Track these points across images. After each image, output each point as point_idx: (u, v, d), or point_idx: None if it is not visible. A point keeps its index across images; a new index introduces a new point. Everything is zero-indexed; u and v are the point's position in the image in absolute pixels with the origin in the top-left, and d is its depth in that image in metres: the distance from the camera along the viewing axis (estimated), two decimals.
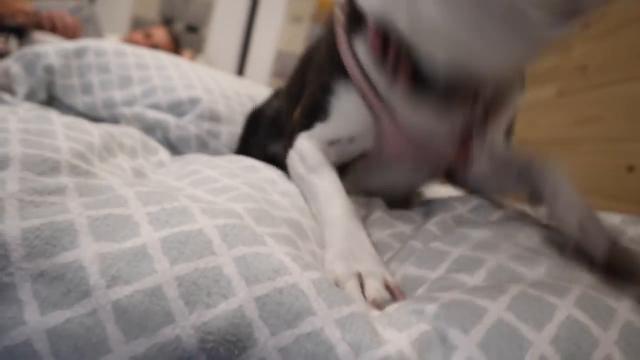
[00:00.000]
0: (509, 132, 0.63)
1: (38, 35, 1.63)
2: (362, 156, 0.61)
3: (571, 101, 1.36)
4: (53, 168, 0.34)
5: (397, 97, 0.53)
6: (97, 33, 2.20)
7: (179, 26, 3.31)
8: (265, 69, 3.49)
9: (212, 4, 3.41)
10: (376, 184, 0.65)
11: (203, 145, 0.88)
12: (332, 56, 0.59)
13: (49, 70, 0.88)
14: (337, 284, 0.37)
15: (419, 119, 0.54)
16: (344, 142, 0.58)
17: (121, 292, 0.24)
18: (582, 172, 1.22)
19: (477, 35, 0.41)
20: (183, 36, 3.16)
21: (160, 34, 2.46)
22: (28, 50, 0.90)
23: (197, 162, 0.57)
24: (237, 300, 0.26)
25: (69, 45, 0.94)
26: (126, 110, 0.87)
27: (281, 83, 3.80)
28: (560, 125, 1.41)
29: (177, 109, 0.90)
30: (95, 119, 0.88)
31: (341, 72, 0.56)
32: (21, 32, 1.60)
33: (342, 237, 0.43)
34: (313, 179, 0.53)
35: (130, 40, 2.32)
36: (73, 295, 0.23)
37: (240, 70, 3.32)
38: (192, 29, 3.34)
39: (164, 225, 0.29)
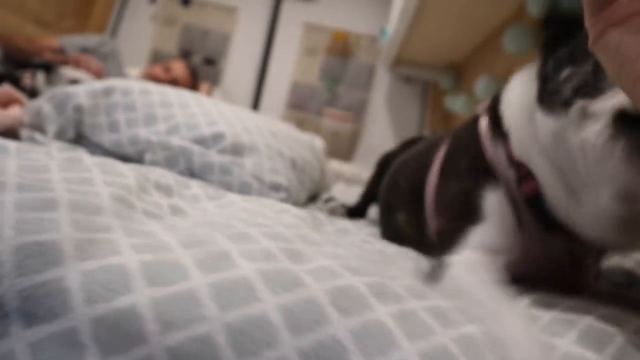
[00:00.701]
0: None
1: (65, 70, 1.69)
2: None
3: None
4: (98, 211, 0.36)
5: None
6: (119, 67, 2.27)
7: (196, 59, 3.38)
8: (280, 101, 3.53)
9: (230, 37, 3.48)
10: None
11: (227, 172, 0.90)
12: (478, 164, 0.58)
13: (79, 109, 0.92)
14: None
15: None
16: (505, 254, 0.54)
17: (174, 338, 0.25)
18: None
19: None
20: (201, 68, 3.23)
21: (179, 67, 2.52)
22: (59, 90, 0.94)
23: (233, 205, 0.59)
24: (282, 350, 0.27)
25: (98, 85, 0.98)
26: (152, 137, 0.90)
27: (296, 114, 3.54)
28: None
29: (201, 144, 0.92)
30: (121, 155, 0.91)
31: (491, 179, 0.56)
32: (48, 69, 1.66)
33: None
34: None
35: (150, 74, 2.39)
36: (131, 340, 0.25)
37: (256, 101, 3.37)
38: (210, 61, 3.41)
39: (209, 269, 0.31)
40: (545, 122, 0.47)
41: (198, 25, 3.42)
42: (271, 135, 1.08)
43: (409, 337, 0.30)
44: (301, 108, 3.57)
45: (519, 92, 0.55)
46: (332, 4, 3.57)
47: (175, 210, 0.50)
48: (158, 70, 2.42)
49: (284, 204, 0.64)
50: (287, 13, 3.51)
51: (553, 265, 0.54)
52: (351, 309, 0.31)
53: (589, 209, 0.44)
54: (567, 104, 0.43)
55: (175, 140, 0.89)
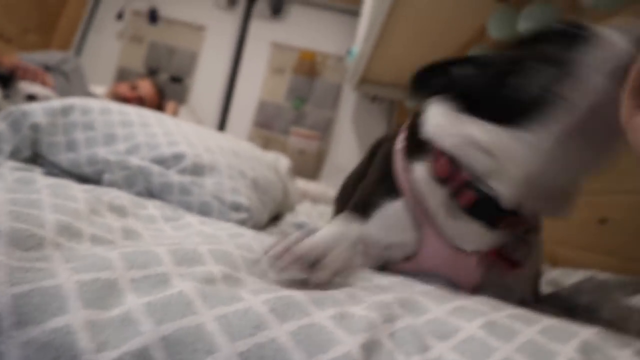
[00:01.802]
0: (536, 292, 0.68)
1: (23, 85, 1.67)
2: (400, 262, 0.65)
3: None
4: (39, 244, 0.36)
5: (447, 214, 0.60)
6: (83, 85, 2.24)
7: (163, 77, 3.35)
8: (247, 119, 3.53)
9: (197, 55, 3.47)
10: None
11: (186, 192, 0.89)
12: (385, 178, 0.67)
13: (35, 128, 0.91)
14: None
15: (463, 233, 0.60)
16: (380, 247, 0.64)
17: (109, 356, 0.26)
18: (554, 224, 1.25)
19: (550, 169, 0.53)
20: (167, 86, 3.21)
21: (145, 85, 2.50)
22: (15, 108, 0.93)
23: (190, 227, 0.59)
24: (222, 356, 0.28)
25: (56, 103, 0.97)
26: (111, 157, 0.89)
27: (262, 133, 3.51)
28: None
29: (160, 164, 0.91)
30: (79, 175, 0.91)
31: (392, 191, 0.64)
32: (5, 83, 1.63)
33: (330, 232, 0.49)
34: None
35: (116, 92, 2.37)
36: None
37: (223, 120, 3.37)
38: (177, 79, 3.38)
39: (148, 291, 0.31)
40: (527, 134, 0.54)
41: (165, 43, 3.41)
42: (233, 155, 1.08)
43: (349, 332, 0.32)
44: (268, 127, 3.57)
45: (452, 121, 0.62)
46: (299, 23, 3.60)
47: (128, 233, 0.51)
48: (124, 88, 2.41)
49: (241, 227, 0.64)
50: (255, 32, 3.53)
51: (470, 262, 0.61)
52: (290, 314, 0.33)
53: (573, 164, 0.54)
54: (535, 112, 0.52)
55: (135, 160, 0.89)
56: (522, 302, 0.61)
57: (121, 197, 0.64)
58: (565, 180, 0.55)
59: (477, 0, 1.77)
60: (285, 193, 1.39)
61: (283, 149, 3.20)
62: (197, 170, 0.94)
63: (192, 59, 3.46)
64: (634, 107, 0.36)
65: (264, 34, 3.57)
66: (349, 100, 3.57)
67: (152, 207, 0.66)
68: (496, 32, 1.66)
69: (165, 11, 3.39)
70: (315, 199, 2.37)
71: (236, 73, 3.47)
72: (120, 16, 3.30)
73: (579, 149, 0.51)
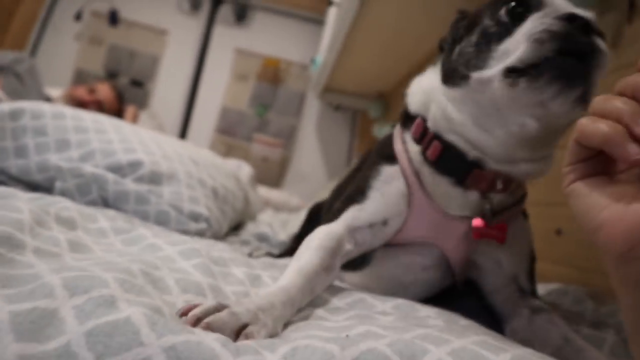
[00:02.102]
0: (531, 276, 0.67)
1: None
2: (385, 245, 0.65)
3: None
4: None
5: (429, 172, 0.62)
6: (37, 87, 2.16)
7: (123, 80, 3.25)
8: (209, 125, 3.47)
9: (159, 59, 3.39)
10: (395, 278, 0.68)
11: (143, 202, 0.86)
12: (383, 149, 0.70)
13: None
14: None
15: (444, 193, 0.62)
16: (378, 225, 0.63)
17: None
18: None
19: (480, 135, 0.57)
20: (127, 91, 3.11)
21: (104, 89, 2.44)
22: None
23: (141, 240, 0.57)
24: None
25: (4, 106, 0.92)
26: (63, 164, 0.85)
27: (225, 139, 3.39)
28: None
29: (116, 172, 0.88)
30: (28, 182, 0.86)
31: (389, 159, 0.67)
32: None
33: (265, 298, 0.44)
34: (298, 253, 0.57)
35: (73, 95, 2.30)
36: None
37: (185, 125, 3.32)
38: (137, 83, 3.29)
39: (89, 316, 0.29)
40: (452, 94, 0.59)
41: (125, 46, 3.31)
42: (193, 164, 1.06)
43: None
44: (230, 133, 3.52)
45: (422, 84, 0.69)
46: (263, 30, 3.57)
47: (76, 246, 0.48)
48: (82, 92, 2.35)
49: (196, 242, 0.61)
50: (219, 37, 3.48)
51: (447, 233, 0.62)
52: (242, 351, 0.31)
53: (499, 136, 0.56)
54: (464, 77, 0.56)
55: (88, 168, 0.85)
56: (519, 287, 0.64)
57: (70, 208, 0.60)
58: (511, 134, 0.56)
59: (441, 11, 1.80)
60: (246, 202, 1.36)
61: (246, 156, 3.17)
62: (155, 178, 0.91)
63: (153, 63, 3.38)
64: (571, 174, 0.37)
65: (228, 40, 3.52)
66: (312, 108, 3.55)
67: (104, 219, 0.63)
68: None
69: (126, 13, 3.28)
70: (278, 207, 2.35)
71: (199, 78, 3.41)
72: (78, 17, 3.17)
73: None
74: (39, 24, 3.19)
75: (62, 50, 3.21)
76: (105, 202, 0.86)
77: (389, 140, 0.71)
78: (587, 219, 0.35)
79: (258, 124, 3.52)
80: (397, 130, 0.70)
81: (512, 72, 0.50)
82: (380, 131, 2.64)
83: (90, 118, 0.99)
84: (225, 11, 3.51)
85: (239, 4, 3.48)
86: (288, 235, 1.19)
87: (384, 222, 0.62)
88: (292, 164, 3.37)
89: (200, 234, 0.91)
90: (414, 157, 0.64)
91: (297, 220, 1.95)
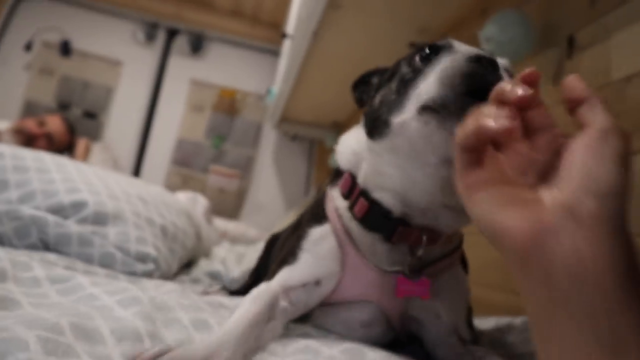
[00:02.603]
0: (470, 324, 0.67)
1: None
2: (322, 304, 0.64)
3: None
4: None
5: (358, 229, 0.62)
6: None
7: (76, 111, 3.16)
8: (165, 157, 3.40)
9: (113, 90, 3.32)
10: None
11: (87, 244, 0.83)
12: (315, 208, 0.70)
13: None
14: None
15: (374, 250, 0.61)
16: (310, 285, 0.62)
17: None
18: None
19: (405, 184, 0.57)
20: (80, 122, 3.04)
21: (55, 122, 2.39)
22: None
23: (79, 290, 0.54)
24: None
25: None
26: (0, 206, 0.81)
27: (181, 171, 3.32)
28: None
29: (58, 214, 0.84)
30: None
31: (320, 218, 0.67)
32: None
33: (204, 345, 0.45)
34: (240, 304, 0.57)
35: (21, 127, 2.23)
36: None
37: (140, 157, 3.22)
38: (90, 115, 3.22)
39: None
40: (378, 147, 0.59)
41: (78, 77, 3.22)
42: (141, 202, 1.03)
43: None
44: (186, 165, 3.44)
45: (350, 142, 0.69)
46: (219, 61, 3.56)
47: (1, 302, 0.45)
48: (31, 125, 2.28)
49: (139, 289, 0.59)
50: (174, 68, 3.46)
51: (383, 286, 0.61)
52: None
53: (421, 181, 0.56)
54: (386, 124, 0.56)
55: (27, 210, 0.81)
56: (460, 338, 0.63)
57: (1, 257, 0.57)
58: (427, 192, 0.57)
59: (392, 43, 1.84)
60: (198, 238, 1.33)
61: (202, 187, 3.13)
62: (100, 219, 0.88)
63: (107, 94, 3.30)
64: (463, 180, 0.39)
65: (183, 70, 3.50)
66: (269, 138, 3.53)
67: (39, 267, 0.59)
68: None
69: (79, 44, 3.23)
70: (235, 239, 2.32)
71: (154, 110, 3.36)
72: (29, 47, 3.10)
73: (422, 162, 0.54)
74: None
75: (11, 81, 3.11)
76: (46, 246, 0.82)
77: (321, 198, 0.71)
78: (488, 225, 0.35)
79: (214, 155, 3.46)
80: (329, 188, 0.71)
81: (425, 111, 0.51)
82: (335, 161, 2.68)
83: (31, 157, 0.95)
84: (181, 42, 3.52)
85: (195, 35, 3.49)
86: (243, 270, 1.16)
87: (317, 282, 0.62)
88: (249, 194, 3.34)
89: (148, 274, 0.88)
90: (344, 214, 0.64)
91: (254, 253, 1.92)
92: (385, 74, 0.64)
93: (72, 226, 0.83)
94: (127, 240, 0.88)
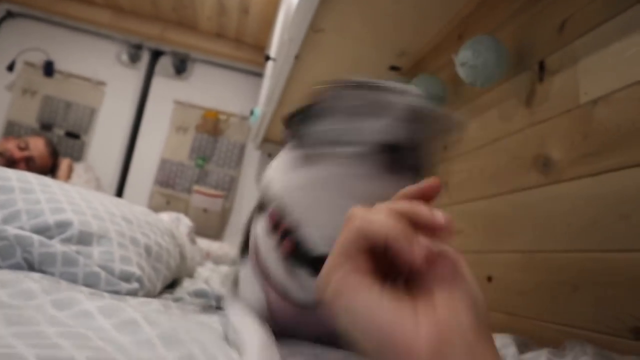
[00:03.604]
0: None
1: None
2: None
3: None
4: None
5: (282, 267, 0.59)
6: None
7: (58, 132, 3.16)
8: (148, 177, 3.39)
9: (96, 110, 3.31)
10: None
11: (71, 263, 0.82)
12: (245, 238, 0.70)
13: None
14: None
15: (297, 286, 0.59)
16: None
17: None
18: None
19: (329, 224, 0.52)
20: (63, 142, 3.06)
21: (37, 145, 2.38)
22: None
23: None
24: None
25: None
26: None
27: (164, 191, 3.31)
28: None
29: (43, 233, 0.84)
30: None
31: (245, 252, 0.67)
32: None
33: None
34: None
35: (3, 149, 2.23)
36: None
37: (123, 177, 3.22)
38: (73, 135, 3.21)
39: None
40: (302, 179, 0.57)
41: (61, 97, 3.21)
42: (125, 222, 1.03)
43: None
44: (170, 185, 3.43)
45: (275, 173, 0.64)
46: (203, 82, 3.58)
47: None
48: (12, 146, 2.28)
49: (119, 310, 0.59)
50: (158, 89, 3.46)
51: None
52: None
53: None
54: (311, 157, 0.56)
55: (12, 230, 0.81)
56: None
57: None
58: None
59: (373, 66, 1.88)
60: (182, 258, 1.34)
61: (186, 207, 3.12)
62: (84, 238, 0.88)
63: (90, 114, 3.30)
64: (338, 268, 0.32)
65: (167, 91, 3.51)
66: (252, 159, 3.53)
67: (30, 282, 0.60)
68: None
69: (62, 64, 3.24)
70: (219, 259, 2.31)
71: (137, 130, 3.37)
72: (11, 68, 3.11)
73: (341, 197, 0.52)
74: None
75: None
76: (30, 265, 0.82)
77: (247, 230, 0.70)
78: (366, 332, 0.30)
79: (198, 176, 3.47)
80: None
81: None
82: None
83: (16, 177, 0.95)
84: (165, 63, 3.54)
85: (179, 57, 3.52)
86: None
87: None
88: (233, 215, 3.34)
89: (132, 293, 0.88)
90: (263, 248, 0.62)
91: None
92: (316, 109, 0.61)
93: (57, 245, 0.83)
94: (111, 260, 0.88)
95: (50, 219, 0.87)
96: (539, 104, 1.07)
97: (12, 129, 3.03)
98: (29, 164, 2.27)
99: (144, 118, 3.44)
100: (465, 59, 1.23)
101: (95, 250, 0.88)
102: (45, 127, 3.17)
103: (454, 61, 1.26)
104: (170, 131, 3.50)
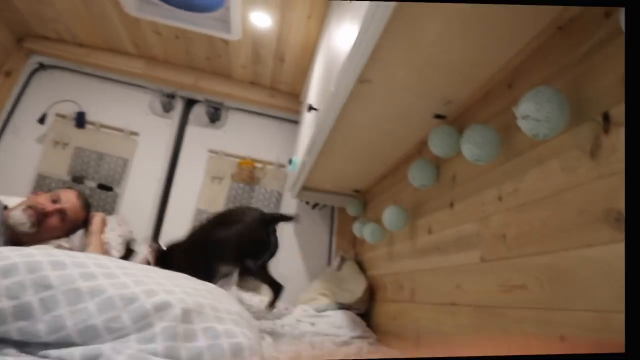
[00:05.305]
0: None
1: None
2: None
3: (495, 267, 1.44)
4: None
5: None
6: None
7: (90, 184, 3.08)
8: (183, 228, 2.99)
9: (128, 161, 3.24)
10: None
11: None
12: None
13: None
14: None
15: None
16: None
17: None
18: (515, 340, 1.28)
19: None
20: (95, 194, 3.00)
21: (69, 197, 2.29)
22: None
23: None
24: None
25: None
26: (80, 324, 0.75)
27: None
28: (485, 291, 1.47)
29: (142, 321, 0.80)
30: (40, 344, 0.77)
31: None
32: None
33: None
34: None
35: (33, 204, 2.12)
36: None
37: (157, 229, 3.14)
38: (105, 187, 3.18)
39: None
40: None
41: (93, 148, 3.15)
42: (209, 294, 1.01)
43: None
44: None
45: None
46: (237, 130, 3.54)
47: None
48: (43, 200, 2.18)
49: None
50: (191, 139, 3.41)
51: None
52: None
53: None
54: None
55: (104, 321, 0.78)
56: None
57: None
58: None
59: (419, 116, 1.89)
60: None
61: None
62: (186, 318, 0.85)
63: (123, 165, 3.25)
64: None
65: (201, 141, 3.45)
66: (289, 207, 3.43)
67: None
68: (436, 148, 1.77)
69: (94, 115, 3.22)
70: (259, 314, 2.30)
71: (171, 181, 3.31)
72: (42, 120, 3.11)
73: None
74: None
75: (23, 153, 3.03)
76: None
77: None
78: None
79: None
80: None
81: None
82: (359, 229, 2.65)
83: (90, 261, 0.92)
84: (198, 112, 3.55)
85: (212, 105, 3.51)
86: None
87: None
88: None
89: None
90: None
91: (280, 329, 1.98)
92: None
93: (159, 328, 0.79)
94: (216, 337, 0.86)
95: (147, 302, 0.84)
96: (606, 156, 1.05)
97: (43, 182, 2.94)
98: (62, 217, 2.19)
99: (178, 168, 3.37)
100: (527, 112, 1.21)
101: (198, 328, 0.86)
102: (77, 179, 3.08)
103: (515, 114, 1.25)
104: (205, 181, 3.41)
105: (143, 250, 2.26)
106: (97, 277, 0.87)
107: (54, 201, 2.20)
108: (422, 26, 1.31)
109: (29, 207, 2.07)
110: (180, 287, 0.96)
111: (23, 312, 0.77)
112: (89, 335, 0.77)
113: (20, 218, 2.01)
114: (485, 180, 1.58)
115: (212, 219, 2.30)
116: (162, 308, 0.83)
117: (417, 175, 1.97)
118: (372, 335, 2.27)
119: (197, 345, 0.81)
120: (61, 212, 2.18)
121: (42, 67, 3.26)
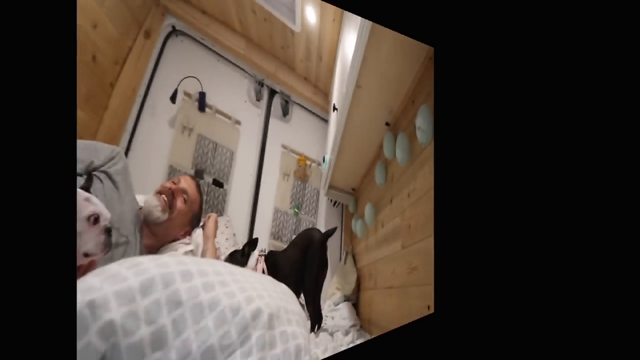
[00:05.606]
0: None
1: None
2: None
3: (406, 253, 1.36)
4: None
5: None
6: (131, 192, 1.44)
7: (208, 179, 2.28)
8: (266, 231, 2.37)
9: (234, 153, 2.37)
10: None
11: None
12: None
13: (109, 329, 0.49)
14: None
15: None
16: None
17: None
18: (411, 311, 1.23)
19: None
20: (210, 192, 2.23)
21: (187, 180, 1.67)
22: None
23: None
24: None
25: (132, 280, 0.54)
26: (202, 345, 0.55)
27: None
28: (402, 273, 1.40)
29: (244, 333, 0.62)
30: None
31: None
32: None
33: None
34: None
35: (160, 188, 1.57)
36: None
37: (251, 230, 2.33)
38: (218, 183, 2.32)
39: None
40: None
41: (211, 137, 2.27)
42: (283, 295, 0.86)
43: None
44: (278, 238, 2.39)
45: None
46: (299, 126, 2.74)
47: None
48: (167, 184, 1.62)
49: None
50: (272, 132, 2.57)
51: None
52: None
53: None
54: None
55: (219, 339, 0.59)
56: None
57: None
58: None
59: (378, 122, 1.74)
60: None
61: None
62: (271, 324, 0.68)
63: (230, 158, 2.35)
64: None
65: (277, 135, 2.63)
66: (323, 205, 2.75)
67: None
68: (385, 151, 1.68)
69: (210, 98, 2.29)
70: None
71: (260, 178, 2.43)
72: (173, 98, 2.14)
73: None
74: (138, 104, 2.06)
75: (157, 140, 2.08)
76: None
77: None
78: None
79: (295, 225, 2.51)
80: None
81: None
82: (354, 225, 2.31)
83: (211, 270, 0.71)
84: (276, 104, 2.66)
85: (285, 98, 2.69)
86: None
87: None
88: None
89: None
90: None
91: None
92: None
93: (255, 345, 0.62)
94: (287, 340, 0.70)
95: (247, 311, 0.67)
96: None
97: (174, 176, 1.96)
98: (185, 200, 1.58)
99: (265, 164, 2.44)
100: (419, 124, 1.25)
101: (276, 332, 0.70)
102: (198, 173, 2.17)
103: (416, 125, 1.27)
104: (280, 178, 2.50)
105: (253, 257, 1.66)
106: (214, 286, 0.67)
107: (175, 182, 1.66)
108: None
109: (158, 192, 1.55)
110: (267, 290, 0.80)
111: (159, 340, 0.53)
112: (207, 358, 0.57)
113: (152, 201, 1.46)
114: (404, 179, 1.50)
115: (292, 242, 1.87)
116: (256, 316, 0.66)
117: (377, 175, 1.81)
118: (359, 322, 1.92)
119: (276, 353, 0.65)
120: (184, 192, 1.60)
121: (174, 31, 2.24)
